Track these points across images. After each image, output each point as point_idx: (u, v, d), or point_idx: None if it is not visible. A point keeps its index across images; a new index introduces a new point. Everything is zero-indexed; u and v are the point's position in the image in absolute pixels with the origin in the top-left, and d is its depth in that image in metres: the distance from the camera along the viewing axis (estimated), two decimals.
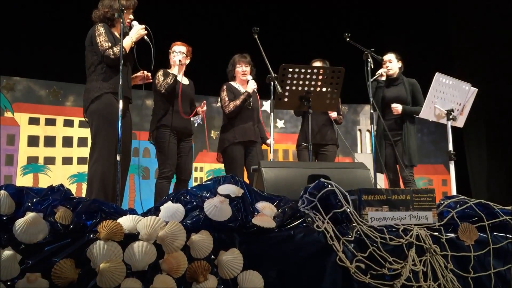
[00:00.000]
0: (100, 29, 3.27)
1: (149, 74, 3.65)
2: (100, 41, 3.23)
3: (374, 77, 4.28)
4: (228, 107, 4.13)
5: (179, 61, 3.97)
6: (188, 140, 4.09)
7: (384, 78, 4.40)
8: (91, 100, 3.23)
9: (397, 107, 4.23)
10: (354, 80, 4.41)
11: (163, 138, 3.88)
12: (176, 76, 3.91)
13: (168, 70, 4.02)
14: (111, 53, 3.20)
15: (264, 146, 4.37)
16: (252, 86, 4.13)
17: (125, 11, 3.31)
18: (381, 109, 4.37)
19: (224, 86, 4.25)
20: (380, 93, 4.38)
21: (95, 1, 3.46)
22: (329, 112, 4.35)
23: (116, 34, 3.41)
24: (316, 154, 4.36)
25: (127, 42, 3.27)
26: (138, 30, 3.32)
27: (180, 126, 3.95)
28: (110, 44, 3.23)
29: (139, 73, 3.62)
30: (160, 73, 3.97)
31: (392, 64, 4.42)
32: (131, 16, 3.40)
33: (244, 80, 4.27)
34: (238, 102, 4.10)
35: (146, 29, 3.35)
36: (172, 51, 4.06)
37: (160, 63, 4.03)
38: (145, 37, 3.35)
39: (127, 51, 3.26)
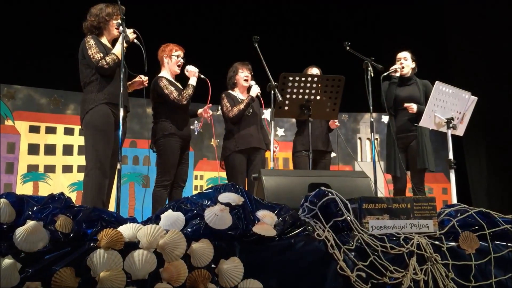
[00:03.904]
0: (90, 41, 3.28)
1: (147, 78, 3.65)
2: (92, 53, 3.24)
3: (387, 72, 4.20)
4: (232, 112, 4.11)
5: (199, 73, 3.98)
6: (188, 148, 4.09)
7: (398, 74, 4.31)
8: (86, 112, 3.25)
9: (412, 106, 4.15)
10: (354, 89, 4.42)
11: (171, 148, 3.82)
12: (194, 87, 3.93)
13: (169, 78, 4.00)
14: (104, 63, 3.21)
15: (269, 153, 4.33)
16: (255, 90, 4.12)
17: (109, 20, 3.36)
18: (394, 109, 4.33)
19: (223, 94, 4.26)
20: (393, 90, 4.30)
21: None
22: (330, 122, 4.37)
23: (106, 43, 3.43)
24: (315, 161, 4.30)
25: (118, 50, 3.24)
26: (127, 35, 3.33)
27: (187, 134, 3.96)
28: (102, 55, 3.23)
29: (136, 79, 3.63)
30: (165, 83, 3.88)
31: (407, 62, 4.35)
32: (119, 21, 3.38)
33: (245, 86, 4.27)
34: (241, 106, 4.09)
35: (135, 32, 3.30)
36: (175, 55, 4.02)
37: (157, 71, 4.05)
38: (135, 40, 3.32)
39: (120, 58, 3.21)
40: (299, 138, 4.41)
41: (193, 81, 3.94)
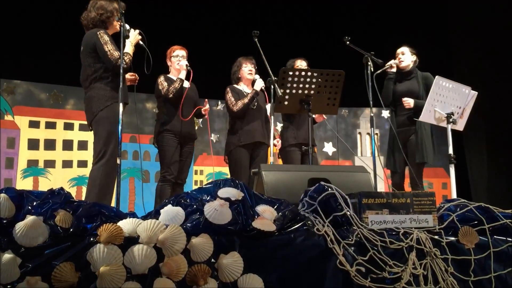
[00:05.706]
0: (104, 37, 3.24)
1: (137, 77, 3.67)
2: (109, 50, 3.19)
3: (383, 68, 4.15)
4: (236, 106, 4.10)
5: (187, 65, 4.00)
6: (190, 145, 4.10)
7: (394, 70, 4.27)
8: (101, 109, 3.21)
9: (409, 101, 4.12)
10: (354, 84, 4.40)
11: (166, 143, 3.91)
12: (183, 81, 3.95)
13: (170, 76, 4.05)
14: (124, 62, 3.20)
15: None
16: (260, 84, 4.11)
17: (116, 14, 3.34)
18: (393, 104, 4.30)
19: (228, 88, 4.25)
20: (390, 85, 4.25)
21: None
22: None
23: None
24: (302, 155, 4.23)
25: (130, 49, 3.27)
26: (135, 36, 3.33)
27: (184, 131, 3.97)
28: (119, 53, 3.19)
29: (128, 76, 3.63)
30: (161, 79, 4.01)
31: (404, 56, 4.30)
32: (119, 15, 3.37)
33: (249, 80, 4.26)
34: (246, 100, 4.09)
35: (140, 33, 3.35)
36: (174, 56, 4.10)
37: (157, 67, 4.05)
38: (140, 41, 3.37)
39: (131, 57, 3.27)
40: (289, 132, 4.31)
41: (182, 75, 4.00)
